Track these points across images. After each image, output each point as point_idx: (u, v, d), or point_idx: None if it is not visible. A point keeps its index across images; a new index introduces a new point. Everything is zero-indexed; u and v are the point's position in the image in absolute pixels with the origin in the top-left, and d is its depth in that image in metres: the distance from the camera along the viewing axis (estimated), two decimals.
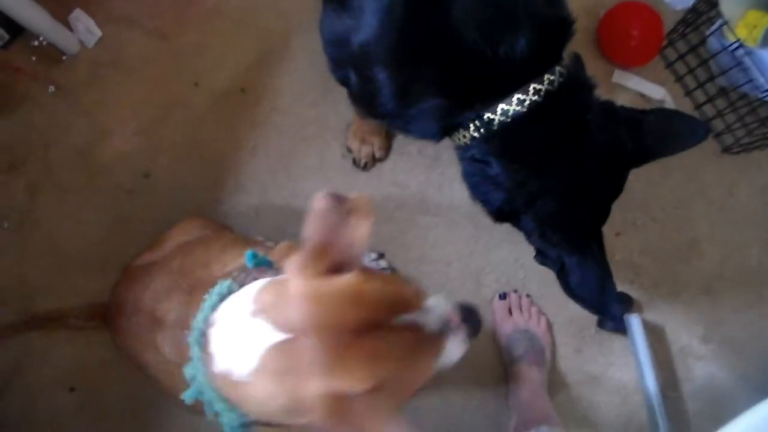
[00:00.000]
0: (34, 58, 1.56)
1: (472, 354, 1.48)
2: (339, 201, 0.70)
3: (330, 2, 1.02)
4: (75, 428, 1.46)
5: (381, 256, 1.45)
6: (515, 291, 1.51)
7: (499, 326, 1.49)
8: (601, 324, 1.52)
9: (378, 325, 0.67)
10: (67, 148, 1.54)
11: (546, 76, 0.93)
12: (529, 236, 1.10)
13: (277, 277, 0.73)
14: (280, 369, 0.65)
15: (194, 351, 0.75)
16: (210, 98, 1.55)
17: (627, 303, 1.51)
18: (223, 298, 0.78)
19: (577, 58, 1.01)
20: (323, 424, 0.64)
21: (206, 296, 0.79)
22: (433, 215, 1.53)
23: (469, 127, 0.99)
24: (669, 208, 1.58)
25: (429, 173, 1.54)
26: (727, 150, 1.60)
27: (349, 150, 1.52)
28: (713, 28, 1.54)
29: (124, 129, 1.55)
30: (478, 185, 1.07)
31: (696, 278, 1.57)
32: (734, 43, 1.44)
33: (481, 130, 0.98)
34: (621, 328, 1.51)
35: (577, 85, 0.98)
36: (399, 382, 0.69)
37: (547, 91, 0.94)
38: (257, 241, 1.23)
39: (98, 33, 1.57)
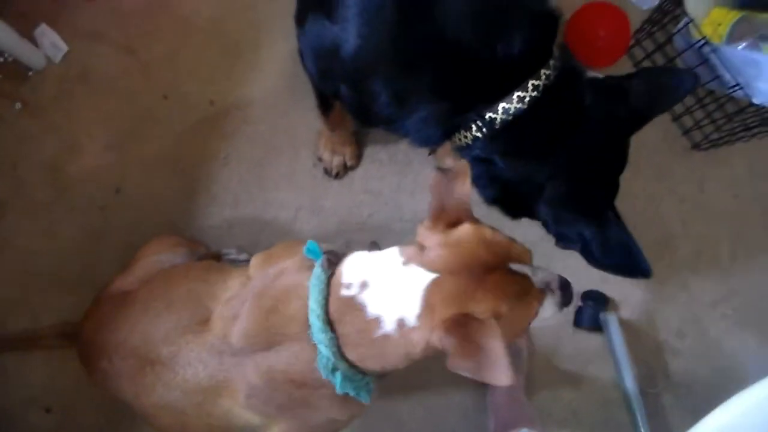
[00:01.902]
0: None
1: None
2: (444, 173, 0.85)
3: (313, 12, 1.01)
4: None
5: (375, 244, 1.45)
6: None
7: None
8: (577, 323, 1.53)
9: (497, 267, 0.81)
10: (37, 165, 1.53)
11: (542, 72, 0.95)
12: (546, 225, 1.10)
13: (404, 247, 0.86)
14: (439, 303, 0.79)
15: (326, 346, 0.83)
16: (179, 111, 1.55)
17: (602, 302, 1.52)
18: (324, 286, 0.85)
19: (564, 48, 1.01)
20: (456, 342, 0.76)
21: (310, 288, 0.86)
22: (407, 221, 1.53)
23: (471, 128, 0.99)
24: (640, 205, 1.59)
25: (401, 179, 1.54)
26: (696, 147, 1.62)
27: (320, 159, 1.52)
28: (679, 26, 1.56)
29: (94, 144, 1.54)
30: (486, 185, 1.08)
31: (670, 275, 1.58)
32: (700, 40, 1.45)
33: (484, 129, 0.98)
34: (597, 326, 1.52)
35: (569, 75, 0.99)
36: (511, 317, 0.81)
37: (544, 86, 0.95)
38: (227, 267, 1.22)
39: (64, 48, 1.56)
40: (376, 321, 0.81)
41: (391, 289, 0.81)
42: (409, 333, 0.80)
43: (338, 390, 0.84)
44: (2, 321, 1.46)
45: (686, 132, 1.62)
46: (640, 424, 1.46)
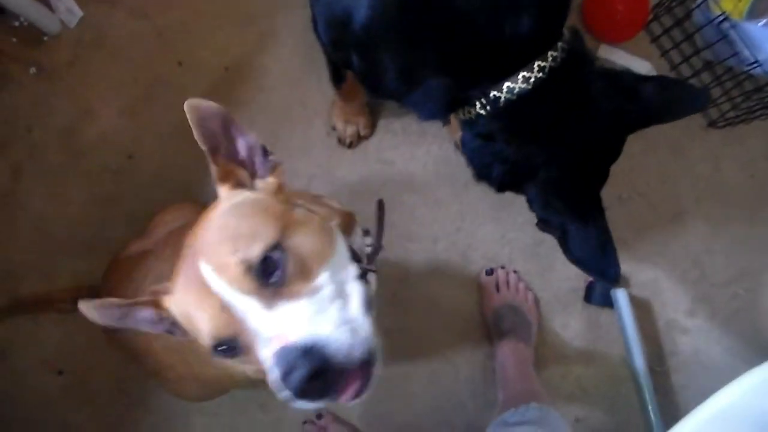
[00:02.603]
0: (14, 40, 1.55)
1: (459, 330, 1.51)
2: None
3: None
4: (64, 411, 1.47)
5: (366, 232, 1.45)
6: (502, 267, 1.52)
7: (487, 302, 1.49)
8: (588, 299, 1.53)
9: None
10: (51, 129, 1.53)
11: (549, 53, 0.94)
12: (531, 204, 1.10)
13: None
14: None
15: None
16: (193, 77, 1.54)
17: (615, 278, 1.52)
18: None
19: (575, 33, 1.00)
20: None
21: None
22: (419, 193, 1.53)
23: (475, 105, 0.99)
24: (655, 182, 1.58)
25: (414, 150, 1.54)
26: (712, 124, 1.60)
27: (334, 128, 1.51)
28: (699, 1, 1.53)
29: (108, 110, 1.54)
30: (481, 159, 1.08)
31: (682, 253, 1.57)
32: (719, 16, 1.43)
33: (487, 107, 0.98)
34: (608, 303, 1.52)
35: (577, 60, 0.98)
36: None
37: (550, 67, 0.94)
38: None
39: (79, 13, 1.55)
40: None
41: None
42: None
43: None
44: (16, 284, 1.48)
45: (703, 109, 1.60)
46: (648, 401, 1.46)
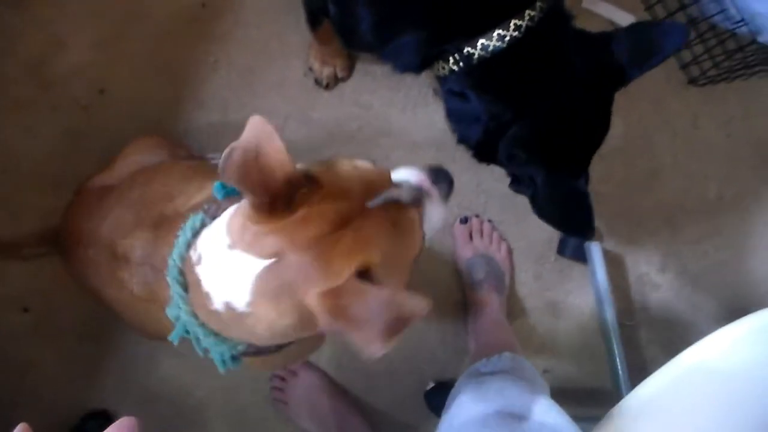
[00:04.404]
0: None
1: (431, 279, 1.50)
2: (239, 151, 0.64)
3: None
4: (30, 348, 1.44)
5: None
6: (477, 216, 1.51)
7: (460, 251, 1.49)
8: (561, 251, 1.53)
9: (352, 216, 0.67)
10: (20, 60, 1.48)
11: (527, 12, 0.93)
12: (502, 163, 1.09)
13: (241, 206, 0.70)
14: (274, 291, 0.65)
15: (175, 290, 0.74)
16: (169, 11, 1.49)
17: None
18: (196, 232, 0.76)
19: None
20: (331, 325, 0.63)
21: (179, 232, 0.76)
22: (395, 136, 1.51)
23: (449, 60, 0.99)
24: (632, 137, 1.58)
25: (393, 94, 1.51)
26: (693, 82, 1.60)
27: (311, 69, 1.48)
28: None
29: (80, 41, 1.49)
30: (459, 121, 1.08)
31: (657, 208, 1.58)
32: None
33: (461, 63, 0.98)
34: (581, 256, 1.52)
35: (555, 20, 0.98)
36: (392, 260, 0.69)
37: (527, 26, 0.94)
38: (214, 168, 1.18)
39: None
40: (208, 296, 0.70)
41: (217, 271, 0.69)
42: (242, 318, 0.68)
43: (172, 337, 0.77)
44: None
45: (684, 66, 1.59)
46: (616, 354, 1.47)
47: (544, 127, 0.99)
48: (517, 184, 1.13)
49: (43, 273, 1.43)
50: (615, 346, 1.47)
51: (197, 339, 0.76)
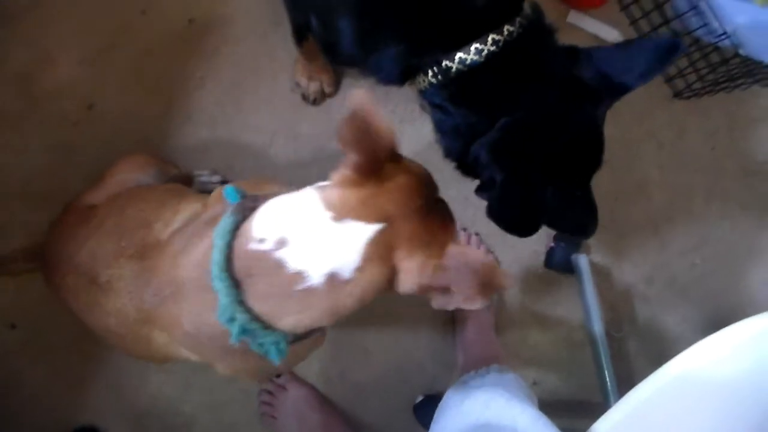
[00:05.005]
0: None
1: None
2: (353, 115, 0.73)
3: None
4: (18, 365, 1.43)
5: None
6: (464, 229, 1.51)
7: None
8: (548, 263, 1.54)
9: (428, 202, 0.77)
10: (8, 76, 1.48)
11: (506, 27, 0.95)
12: (472, 167, 1.08)
13: (335, 181, 0.76)
14: (382, 255, 0.73)
15: (225, 292, 0.76)
16: (157, 28, 1.50)
17: (574, 243, 1.53)
18: (231, 235, 0.78)
19: (536, 8, 1.01)
20: (422, 287, 0.74)
21: (214, 240, 0.78)
22: None
23: (428, 73, 1.00)
24: (618, 150, 1.59)
25: (379, 109, 1.51)
26: (678, 95, 1.61)
27: (298, 85, 1.49)
28: None
29: (68, 58, 1.49)
30: (443, 133, 1.09)
31: (644, 220, 1.59)
32: None
33: (439, 76, 0.99)
34: (568, 268, 1.53)
35: (535, 35, 0.99)
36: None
37: (505, 41, 0.95)
38: (187, 191, 1.18)
39: None
40: (299, 275, 0.73)
41: (321, 246, 0.73)
42: (342, 286, 0.74)
43: (233, 339, 0.78)
44: None
45: (669, 80, 1.61)
46: (605, 366, 1.47)
47: (512, 134, 0.99)
48: (482, 189, 1.13)
49: (31, 289, 1.42)
50: (603, 358, 1.48)
51: (253, 335, 0.79)
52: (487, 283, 0.73)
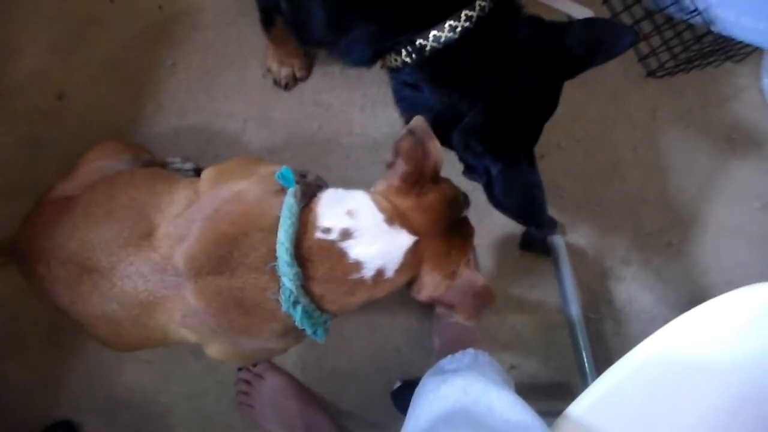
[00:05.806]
0: None
1: None
2: (412, 134, 0.89)
3: None
4: None
5: (303, 176, 1.43)
6: None
7: None
8: (524, 246, 1.53)
9: (454, 221, 0.92)
10: None
11: (478, 2, 0.95)
12: (457, 151, 1.09)
13: (386, 187, 0.92)
14: (411, 264, 0.88)
15: (290, 276, 0.83)
16: (126, 15, 1.49)
17: (552, 225, 1.53)
18: (295, 219, 0.85)
19: None
20: (432, 298, 0.91)
21: (282, 222, 0.85)
22: (356, 135, 1.51)
23: (401, 53, 1.00)
24: (593, 130, 1.59)
25: (351, 93, 1.51)
26: (651, 74, 1.61)
27: (269, 70, 1.48)
28: None
29: (36, 47, 1.47)
30: (409, 109, 1.08)
31: (618, 201, 1.59)
32: None
33: (413, 55, 0.99)
34: (544, 250, 1.53)
35: (506, 9, 0.99)
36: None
37: (478, 17, 0.95)
38: (173, 176, 1.17)
39: None
40: (357, 265, 0.85)
41: (377, 244, 0.85)
42: (382, 282, 0.86)
43: (298, 323, 0.86)
44: None
45: (642, 59, 1.61)
46: (582, 348, 1.47)
47: (497, 117, 0.99)
48: (470, 172, 1.14)
49: (2, 282, 1.41)
50: (581, 340, 1.47)
51: (311, 316, 0.87)
52: (485, 305, 0.92)
